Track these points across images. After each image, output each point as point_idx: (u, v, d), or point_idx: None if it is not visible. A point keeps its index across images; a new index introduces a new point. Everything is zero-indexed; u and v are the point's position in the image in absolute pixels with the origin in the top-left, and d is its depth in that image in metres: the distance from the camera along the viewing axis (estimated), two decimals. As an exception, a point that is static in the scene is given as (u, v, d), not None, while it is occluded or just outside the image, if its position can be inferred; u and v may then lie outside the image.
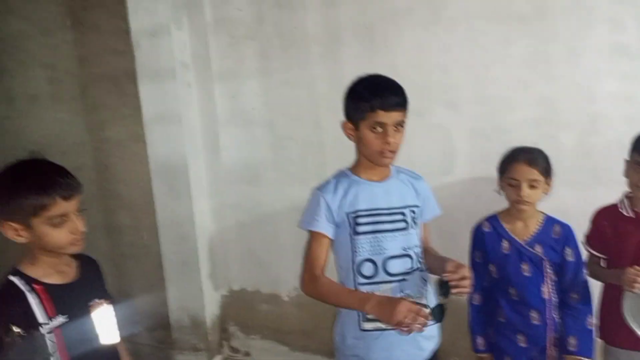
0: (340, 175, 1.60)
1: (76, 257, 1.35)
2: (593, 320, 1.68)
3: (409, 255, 1.53)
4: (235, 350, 2.75)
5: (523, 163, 1.65)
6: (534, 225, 1.72)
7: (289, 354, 2.60)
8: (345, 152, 2.23)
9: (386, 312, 1.34)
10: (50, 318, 1.21)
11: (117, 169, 2.85)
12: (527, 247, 1.70)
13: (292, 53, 2.29)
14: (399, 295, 1.49)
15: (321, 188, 1.57)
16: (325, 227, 1.53)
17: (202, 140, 2.54)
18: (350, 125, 1.51)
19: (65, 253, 1.27)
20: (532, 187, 1.65)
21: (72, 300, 1.27)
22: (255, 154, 2.47)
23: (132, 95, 2.59)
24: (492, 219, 1.78)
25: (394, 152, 1.47)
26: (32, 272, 1.24)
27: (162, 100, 2.46)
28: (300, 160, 2.37)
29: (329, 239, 1.54)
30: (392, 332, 1.40)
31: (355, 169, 1.59)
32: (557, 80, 1.91)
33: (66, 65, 2.87)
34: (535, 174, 1.65)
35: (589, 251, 1.75)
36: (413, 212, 1.56)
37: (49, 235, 1.20)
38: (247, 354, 2.72)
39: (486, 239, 1.77)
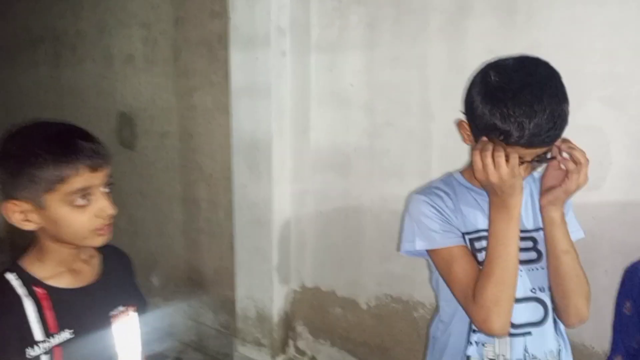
0: (447, 181, 1.19)
1: (100, 250, 1.05)
2: None
3: (539, 300, 1.11)
4: (301, 352, 2.49)
5: None
6: None
7: (360, 368, 2.30)
8: (458, 150, 1.88)
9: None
10: (50, 334, 0.91)
11: (201, 140, 2.69)
12: None
13: (405, 23, 1.93)
14: (520, 358, 1.10)
15: (425, 193, 1.16)
16: (455, 235, 1.10)
17: (291, 117, 2.28)
18: (468, 130, 1.09)
19: (86, 246, 0.97)
20: None
21: (84, 309, 0.97)
22: (347, 139, 2.15)
23: (223, 61, 2.40)
24: None
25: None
26: (37, 270, 0.95)
27: (252, 69, 2.22)
28: (400, 152, 2.02)
29: (465, 247, 1.11)
30: None
31: (468, 173, 1.18)
32: None
33: (162, 26, 2.74)
34: None
35: None
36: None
37: (66, 218, 0.90)
38: (313, 358, 2.45)
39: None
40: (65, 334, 0.93)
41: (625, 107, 1.52)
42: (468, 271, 1.07)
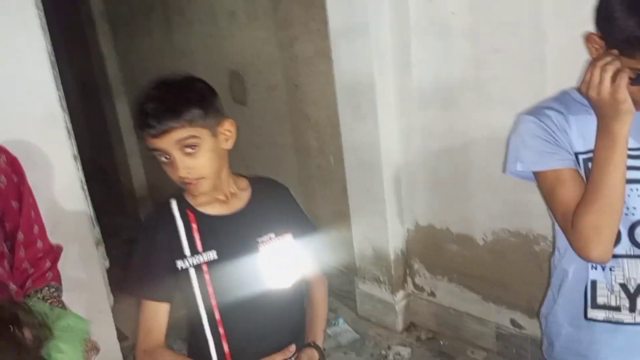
0: (561, 99, 1.10)
1: (252, 182, 1.21)
2: None
3: None
4: (419, 288, 2.54)
5: None
6: None
7: (480, 302, 2.28)
8: (575, 72, 1.69)
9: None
10: (196, 252, 1.08)
11: (306, 89, 2.74)
12: None
13: None
14: None
15: (534, 113, 1.09)
16: (567, 158, 1.04)
17: (392, 55, 2.22)
18: (600, 44, 0.97)
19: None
20: None
21: (229, 234, 1.10)
22: (452, 71, 2.05)
23: (320, 7, 2.37)
24: None
25: None
26: (191, 198, 1.12)
27: (349, 10, 2.19)
28: (509, 80, 1.88)
29: (576, 169, 1.05)
30: (633, 327, 1.01)
31: None
32: None
33: (258, -22, 2.78)
34: None
35: None
36: None
37: (163, 168, 1.06)
38: (432, 294, 2.49)
39: None
40: (211, 254, 1.08)
41: None
42: (572, 195, 1.01)
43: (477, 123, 2.02)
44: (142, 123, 1.02)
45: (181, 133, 1.01)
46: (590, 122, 1.03)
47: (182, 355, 1.17)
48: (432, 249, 2.41)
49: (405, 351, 2.41)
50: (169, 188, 1.17)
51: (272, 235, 1.15)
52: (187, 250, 1.08)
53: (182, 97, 1.04)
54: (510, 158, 1.13)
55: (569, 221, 1.01)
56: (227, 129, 1.11)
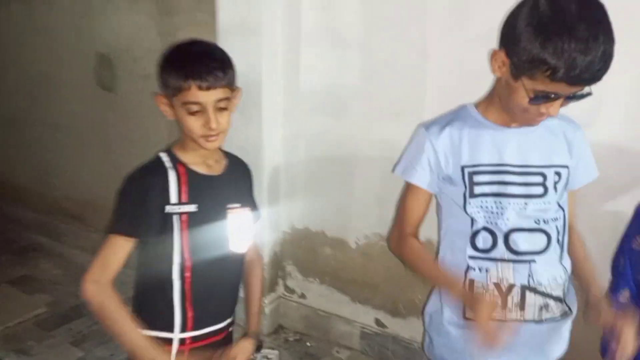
0: (459, 113, 1.23)
1: (227, 156, 1.33)
2: None
3: (543, 231, 1.16)
4: (290, 290, 2.57)
5: None
6: None
7: (348, 304, 2.39)
8: (454, 85, 1.89)
9: (470, 306, 1.14)
10: (181, 202, 1.17)
11: (187, 82, 2.63)
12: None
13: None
14: (524, 283, 1.16)
15: (429, 127, 1.22)
16: (425, 180, 1.23)
17: (282, 58, 2.25)
18: (503, 62, 1.07)
19: (201, 146, 1.18)
20: None
21: (209, 192, 1.22)
22: (342, 80, 2.14)
23: (209, -1, 2.31)
24: None
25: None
26: (181, 155, 1.22)
27: (241, 6, 2.16)
28: (396, 92, 2.02)
29: (430, 193, 1.26)
30: (504, 324, 1.13)
31: (483, 106, 1.20)
32: None
33: (143, -40, 2.62)
34: None
35: None
36: (559, 174, 1.17)
37: (184, 119, 1.14)
38: (302, 296, 2.54)
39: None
40: (192, 207, 1.18)
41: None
42: (412, 207, 1.27)
43: (366, 133, 2.13)
44: (190, 73, 1.09)
45: (224, 91, 1.14)
46: (480, 137, 1.17)
47: (126, 310, 1.17)
48: (306, 252, 2.46)
49: (273, 354, 2.38)
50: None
51: (238, 205, 1.27)
52: (174, 198, 1.17)
53: (225, 58, 1.18)
54: (398, 160, 1.30)
55: (399, 227, 1.29)
56: (238, 95, 1.23)
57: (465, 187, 1.17)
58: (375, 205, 2.19)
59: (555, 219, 1.18)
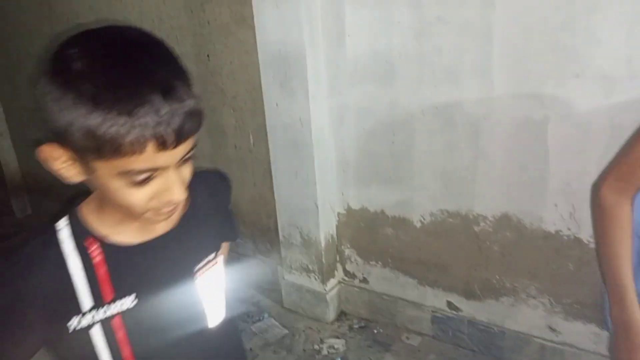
0: None
1: (190, 187, 0.72)
2: None
3: None
4: (351, 275, 2.40)
5: None
6: None
7: (416, 287, 2.20)
8: (527, 41, 1.63)
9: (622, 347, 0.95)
10: (102, 303, 0.71)
11: (221, 60, 2.43)
12: None
13: None
14: None
15: None
16: None
17: (324, 23, 2.01)
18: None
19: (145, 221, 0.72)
20: None
21: (153, 266, 0.76)
22: (390, 43, 1.89)
23: (239, -36, 2.09)
24: None
25: None
26: (97, 221, 0.72)
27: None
28: (455, 51, 1.77)
29: None
30: None
31: None
32: None
33: None
34: None
35: None
36: None
37: (119, 193, 0.64)
38: (364, 280, 2.37)
39: None
40: (126, 300, 0.72)
41: None
42: None
43: (419, 99, 1.89)
44: (144, 125, 0.58)
45: (192, 141, 0.66)
46: None
47: None
48: (365, 234, 2.27)
49: (340, 343, 2.26)
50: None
51: (212, 255, 0.84)
52: (86, 303, 0.70)
53: (183, 69, 0.66)
54: None
55: (618, 176, 0.98)
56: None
57: None
58: (438, 179, 1.97)
59: None
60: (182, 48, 2.54)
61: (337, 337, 2.29)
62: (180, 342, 0.79)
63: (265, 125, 2.26)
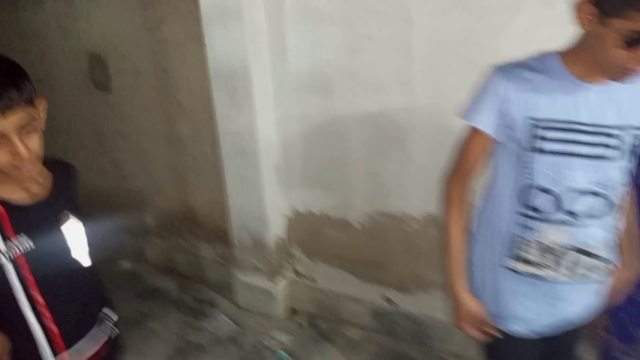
0: (541, 61, 1.11)
1: (50, 166, 1.13)
2: None
3: (603, 196, 1.10)
4: (299, 274, 2.56)
5: None
6: None
7: (358, 284, 2.37)
8: (442, 57, 1.84)
9: (453, 310, 1.25)
10: (10, 243, 1.00)
11: (178, 74, 2.60)
12: None
13: None
14: (578, 246, 1.12)
15: (504, 69, 1.12)
16: (490, 124, 1.13)
17: (267, 40, 2.20)
18: (592, 12, 0.96)
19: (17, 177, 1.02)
20: None
21: (38, 222, 1.06)
22: (327, 58, 2.09)
23: (190, -13, 2.26)
24: None
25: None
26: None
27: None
28: (382, 66, 1.96)
29: (492, 139, 1.16)
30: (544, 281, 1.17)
31: (568, 57, 1.09)
32: None
33: (121, -47, 2.57)
34: None
35: None
36: (637, 137, 1.09)
37: None
38: (312, 279, 2.53)
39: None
40: (25, 244, 1.01)
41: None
42: (468, 152, 1.20)
43: (353, 109, 2.08)
44: None
45: (25, 113, 0.95)
46: (559, 90, 1.07)
47: None
48: (311, 235, 2.44)
49: (287, 338, 2.41)
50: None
51: (71, 217, 1.14)
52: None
53: (17, 70, 0.97)
54: (467, 103, 1.20)
55: (454, 168, 1.24)
56: (44, 108, 1.05)
57: (532, 141, 1.09)
58: (372, 183, 2.15)
59: (620, 185, 1.11)
60: (142, 64, 2.71)
61: (286, 333, 2.44)
62: (65, 277, 1.11)
63: (217, 135, 2.43)
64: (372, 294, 2.34)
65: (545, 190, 1.11)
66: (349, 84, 2.07)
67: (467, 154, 1.21)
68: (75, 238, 1.14)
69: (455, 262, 1.25)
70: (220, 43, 2.21)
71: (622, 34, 0.93)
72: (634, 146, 1.09)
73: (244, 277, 2.61)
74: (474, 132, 1.18)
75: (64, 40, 3.02)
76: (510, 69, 1.12)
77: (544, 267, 1.15)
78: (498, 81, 1.11)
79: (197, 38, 2.35)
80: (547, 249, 1.14)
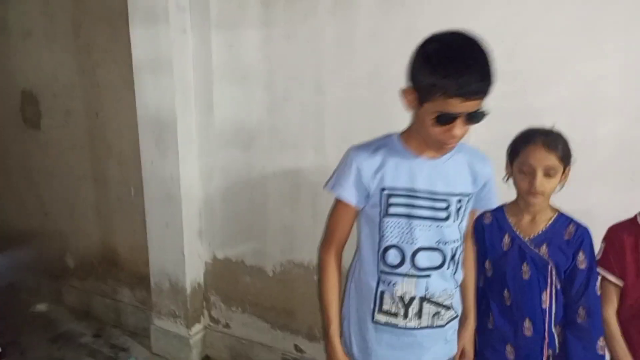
0: (386, 141, 1.36)
1: None
2: (604, 345, 1.44)
3: (440, 250, 1.32)
4: (215, 320, 2.59)
5: (540, 146, 1.40)
6: (543, 222, 1.49)
7: (269, 331, 2.43)
8: (347, 121, 2.01)
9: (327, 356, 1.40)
10: None
11: (108, 117, 2.67)
12: (530, 245, 1.47)
13: (298, 4, 2.01)
14: (422, 294, 1.33)
15: (357, 149, 1.35)
16: (351, 197, 1.34)
17: (195, 94, 2.32)
18: (412, 96, 1.21)
19: None
20: (547, 175, 1.41)
21: None
22: (249, 115, 2.23)
23: (125, 37, 2.37)
24: (497, 211, 1.56)
25: (457, 142, 1.24)
26: None
27: (153, 45, 2.24)
28: (298, 126, 2.12)
29: (355, 208, 1.37)
30: (404, 330, 1.35)
31: (406, 136, 1.34)
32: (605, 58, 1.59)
33: (60, 0, 2.66)
34: (552, 160, 1.39)
35: (603, 275, 1.52)
36: (460, 201, 1.32)
37: None
38: (227, 325, 2.56)
39: (486, 232, 1.57)
40: None
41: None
42: (337, 221, 1.40)
43: (271, 164, 2.21)
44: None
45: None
46: (400, 164, 1.30)
47: None
48: (228, 281, 2.50)
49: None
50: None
51: None
52: None
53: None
54: (330, 177, 1.41)
55: (326, 238, 1.42)
56: None
57: (382, 207, 1.30)
58: (286, 233, 2.26)
59: (454, 241, 1.33)
60: (75, 105, 2.76)
61: (196, 380, 2.44)
62: None
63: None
64: (283, 342, 2.40)
65: (395, 247, 1.30)
66: (269, 141, 2.21)
67: (336, 223, 1.40)
68: None
69: (329, 313, 1.40)
70: (149, 91, 2.32)
71: (431, 113, 1.16)
72: (459, 209, 1.32)
73: (160, 323, 2.61)
74: (339, 204, 1.38)
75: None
76: (363, 148, 1.35)
77: (397, 315, 1.33)
78: (353, 159, 1.32)
79: (129, 84, 2.44)
80: (399, 299, 1.33)
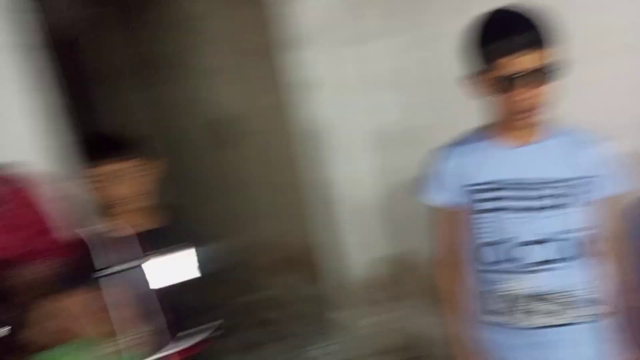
0: (465, 136, 1.31)
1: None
2: None
3: (544, 243, 1.20)
4: (382, 313, 2.72)
5: None
6: None
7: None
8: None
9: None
10: None
11: (277, 132, 3.06)
12: None
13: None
14: (528, 291, 1.22)
15: (437, 151, 1.32)
16: (438, 198, 1.31)
17: (350, 104, 2.54)
18: (473, 80, 1.20)
19: None
20: None
21: None
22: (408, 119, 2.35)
23: (279, 63, 2.66)
24: None
25: (533, 111, 1.15)
26: None
27: (307, 68, 2.50)
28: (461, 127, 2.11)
29: (448, 210, 1.31)
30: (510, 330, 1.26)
31: (485, 128, 1.28)
32: None
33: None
34: None
35: None
36: (557, 188, 1.19)
37: None
38: (394, 318, 2.68)
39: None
40: None
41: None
42: (437, 230, 1.36)
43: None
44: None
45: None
46: (485, 156, 1.24)
47: None
48: (394, 277, 2.64)
49: None
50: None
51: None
52: None
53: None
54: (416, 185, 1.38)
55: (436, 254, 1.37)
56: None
57: (469, 204, 1.26)
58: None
59: (563, 232, 1.21)
60: (254, 126, 3.21)
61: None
62: None
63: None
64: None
65: (490, 245, 1.23)
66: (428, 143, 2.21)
67: (436, 231, 1.36)
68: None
69: (455, 326, 1.37)
70: (307, 107, 2.57)
71: (495, 84, 1.13)
72: (560, 196, 1.19)
73: (337, 315, 2.85)
74: (431, 210, 1.33)
75: (194, 110, 3.66)
76: (447, 148, 1.30)
77: (503, 314, 1.25)
78: (434, 161, 1.31)
79: (291, 103, 2.70)
80: (502, 298, 1.24)
